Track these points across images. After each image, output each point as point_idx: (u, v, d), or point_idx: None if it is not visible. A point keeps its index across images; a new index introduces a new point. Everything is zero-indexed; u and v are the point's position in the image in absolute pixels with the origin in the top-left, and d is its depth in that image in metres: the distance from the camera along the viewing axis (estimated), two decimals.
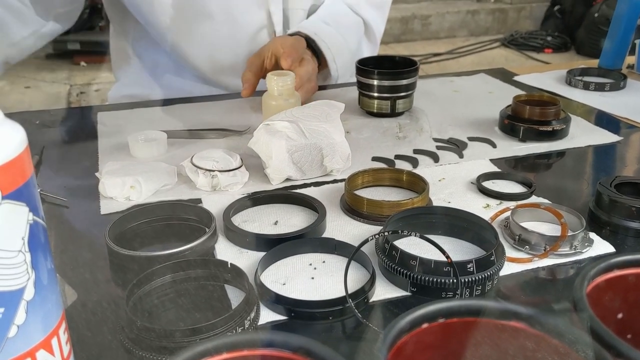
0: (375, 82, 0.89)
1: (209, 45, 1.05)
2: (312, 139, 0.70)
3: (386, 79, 0.88)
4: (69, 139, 0.90)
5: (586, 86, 1.07)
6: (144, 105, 1.00)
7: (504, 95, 1.01)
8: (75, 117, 0.99)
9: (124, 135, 0.82)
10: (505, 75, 1.15)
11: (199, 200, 0.68)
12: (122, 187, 0.68)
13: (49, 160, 0.80)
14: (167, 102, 1.01)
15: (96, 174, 0.72)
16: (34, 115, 0.97)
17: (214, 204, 0.66)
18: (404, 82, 0.89)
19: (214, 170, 0.69)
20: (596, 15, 4.05)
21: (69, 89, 3.50)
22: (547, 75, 1.15)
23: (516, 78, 1.13)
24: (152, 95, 1.10)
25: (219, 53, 1.07)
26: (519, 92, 1.02)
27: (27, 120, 0.93)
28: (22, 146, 0.32)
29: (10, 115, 0.33)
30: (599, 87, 1.06)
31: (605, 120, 0.93)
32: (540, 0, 4.71)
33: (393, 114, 0.91)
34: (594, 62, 1.20)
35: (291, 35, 1.00)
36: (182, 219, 0.63)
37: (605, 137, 0.86)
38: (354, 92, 0.96)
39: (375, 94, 0.90)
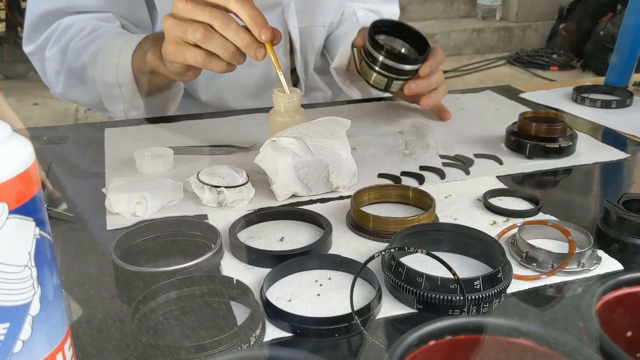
0: (381, 58, 0.88)
1: None
2: (318, 155, 0.70)
3: (392, 59, 0.88)
4: (76, 155, 0.90)
5: (592, 103, 1.07)
6: (150, 121, 1.01)
7: (510, 113, 1.01)
8: (83, 134, 0.99)
9: (130, 152, 0.82)
10: (511, 93, 1.15)
11: (205, 217, 0.68)
12: (128, 203, 0.68)
13: (56, 176, 0.80)
14: (173, 119, 1.02)
15: (102, 189, 0.72)
16: (41, 131, 0.97)
17: (220, 220, 0.66)
18: (408, 67, 0.88)
19: (220, 187, 0.69)
20: (602, 33, 4.06)
21: (76, 106, 3.52)
22: (553, 92, 1.15)
23: (522, 95, 1.14)
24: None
25: (230, 75, 1.07)
26: (525, 109, 1.02)
27: (35, 137, 0.94)
28: (30, 161, 0.32)
29: (17, 132, 0.33)
30: (606, 105, 1.06)
31: (612, 138, 0.93)
32: (546, 18, 4.73)
33: (385, 90, 0.91)
34: (600, 80, 1.20)
35: None
36: (188, 235, 0.63)
37: (612, 154, 0.86)
38: (360, 109, 0.97)
39: (377, 68, 0.89)
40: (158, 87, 0.97)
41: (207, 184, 0.69)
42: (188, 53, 0.76)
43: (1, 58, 3.97)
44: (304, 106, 0.84)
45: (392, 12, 1.22)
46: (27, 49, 1.06)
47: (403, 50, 0.95)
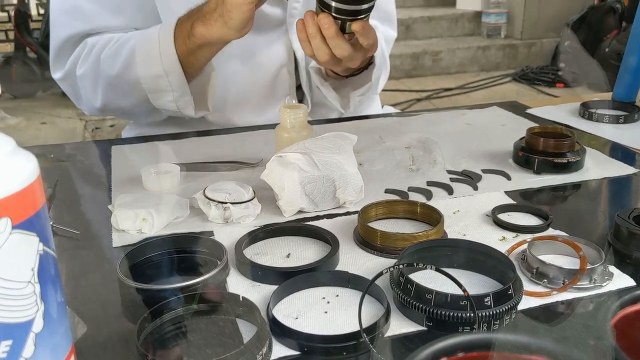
0: (334, 4, 0.81)
1: (226, 86, 1.06)
2: (324, 171, 0.69)
3: (345, 2, 0.81)
4: (83, 173, 0.90)
5: (600, 119, 1.06)
6: (157, 139, 1.01)
7: (517, 128, 1.00)
8: (90, 151, 0.99)
9: (137, 168, 0.82)
10: (517, 108, 1.15)
11: (211, 233, 0.67)
12: (134, 220, 0.67)
13: (63, 194, 0.80)
14: (180, 136, 1.02)
15: (109, 206, 0.72)
16: (48, 149, 0.97)
17: (226, 237, 0.66)
18: (364, 6, 0.82)
19: (226, 203, 0.68)
20: (607, 50, 4.06)
21: (84, 125, 3.54)
22: (560, 108, 1.15)
23: (529, 111, 1.13)
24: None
25: (236, 94, 1.08)
26: (532, 124, 1.01)
27: (42, 155, 0.94)
28: (34, 176, 0.32)
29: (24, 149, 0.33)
30: (613, 120, 1.05)
31: (620, 153, 0.92)
32: (551, 35, 4.74)
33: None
34: (607, 95, 1.20)
35: None
36: (193, 252, 0.63)
37: (621, 169, 0.85)
38: (366, 124, 0.96)
39: (333, 14, 0.83)
40: (204, 62, 0.97)
41: (214, 200, 0.69)
42: None
43: (10, 78, 4.01)
44: (310, 122, 0.84)
45: (388, 33, 1.22)
46: (56, 75, 1.07)
47: None
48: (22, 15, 4.03)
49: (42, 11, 4.39)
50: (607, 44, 4.10)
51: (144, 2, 1.01)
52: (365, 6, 0.82)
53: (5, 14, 4.42)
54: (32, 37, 4.07)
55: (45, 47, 3.67)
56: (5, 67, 4.01)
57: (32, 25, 4.15)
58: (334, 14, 0.82)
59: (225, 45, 0.93)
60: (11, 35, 4.22)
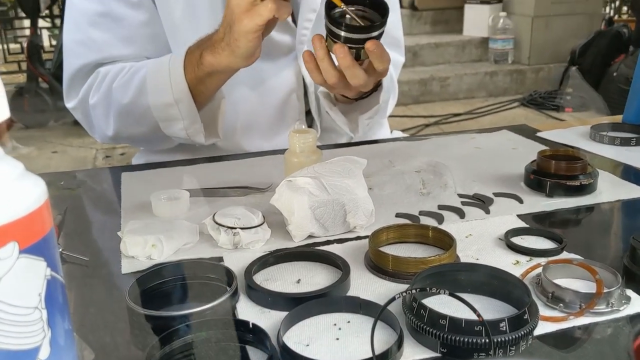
0: (343, 34, 0.82)
1: (235, 112, 1.06)
2: (334, 195, 0.69)
3: (354, 32, 0.82)
4: (93, 200, 0.90)
5: (611, 141, 1.05)
6: (166, 165, 1.01)
7: (528, 151, 1.00)
8: (100, 178, 0.99)
9: (146, 195, 0.82)
10: (527, 132, 1.14)
11: (220, 259, 0.67)
12: (143, 246, 0.67)
13: (72, 221, 0.80)
14: (189, 162, 1.02)
15: (118, 233, 0.71)
16: (58, 176, 0.98)
17: (236, 262, 0.65)
18: (374, 34, 0.83)
19: (235, 228, 0.68)
20: (615, 74, 4.06)
21: (94, 153, 3.57)
22: (570, 131, 1.14)
23: (539, 134, 1.12)
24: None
25: (245, 120, 1.08)
26: (543, 147, 1.01)
27: (52, 182, 0.94)
28: (42, 200, 0.32)
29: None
30: (625, 142, 1.04)
31: (632, 175, 0.91)
32: (558, 60, 4.75)
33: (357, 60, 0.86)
34: (617, 118, 1.19)
35: None
36: (203, 278, 0.62)
37: (634, 191, 0.84)
38: (376, 148, 0.96)
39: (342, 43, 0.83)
40: (214, 91, 0.97)
41: (223, 226, 0.68)
42: (262, 8, 0.80)
43: (22, 108, 4.06)
44: (319, 147, 0.84)
45: (396, 59, 1.22)
46: (69, 104, 1.08)
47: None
48: (34, 47, 4.10)
49: (54, 42, 4.47)
50: (614, 68, 4.11)
51: (155, 32, 1.02)
52: (374, 34, 0.83)
53: (18, 46, 4.51)
54: (44, 68, 4.13)
55: (57, 77, 3.73)
56: (17, 98, 4.07)
57: (45, 56, 4.22)
58: (345, 44, 0.82)
59: (234, 74, 0.94)
60: (24, 66, 4.29)
